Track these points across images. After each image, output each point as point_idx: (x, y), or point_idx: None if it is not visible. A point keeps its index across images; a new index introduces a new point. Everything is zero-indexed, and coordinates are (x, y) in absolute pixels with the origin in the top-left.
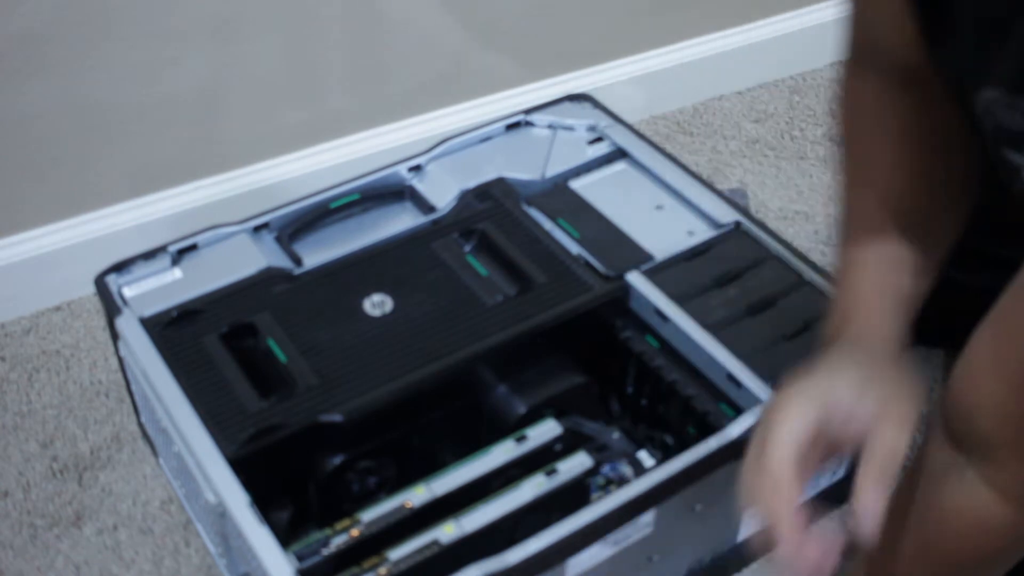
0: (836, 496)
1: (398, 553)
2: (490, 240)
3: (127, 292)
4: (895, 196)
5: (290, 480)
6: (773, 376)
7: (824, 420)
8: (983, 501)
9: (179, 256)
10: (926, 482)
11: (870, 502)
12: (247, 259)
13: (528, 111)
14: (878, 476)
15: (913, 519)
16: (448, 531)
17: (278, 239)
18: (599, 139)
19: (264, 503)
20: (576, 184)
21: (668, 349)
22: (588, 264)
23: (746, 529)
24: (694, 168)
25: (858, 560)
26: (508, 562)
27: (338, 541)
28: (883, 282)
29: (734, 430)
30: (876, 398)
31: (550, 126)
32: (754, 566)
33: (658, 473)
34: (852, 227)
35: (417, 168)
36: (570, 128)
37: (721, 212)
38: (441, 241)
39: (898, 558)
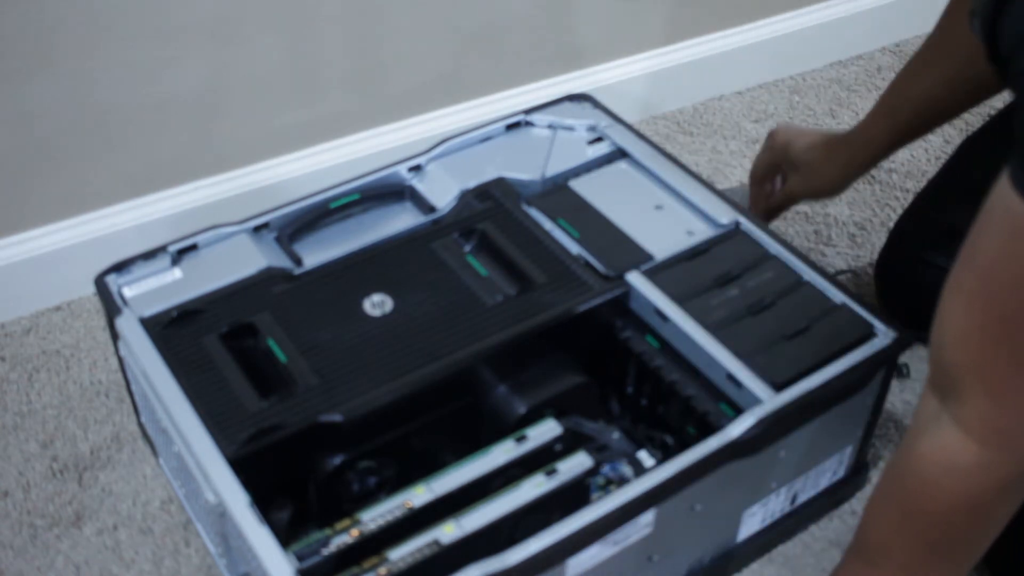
0: (836, 496)
1: (398, 553)
2: (490, 240)
3: (127, 292)
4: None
5: (290, 480)
6: (773, 376)
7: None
8: (951, 442)
9: (179, 256)
10: (907, 438)
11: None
12: (247, 259)
13: (528, 111)
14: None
15: (888, 473)
16: (448, 531)
17: (278, 239)
18: (599, 139)
19: (264, 503)
20: (576, 184)
21: (668, 349)
22: (588, 264)
23: (746, 529)
24: (694, 168)
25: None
26: (508, 562)
27: (338, 541)
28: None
29: (734, 430)
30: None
31: (550, 126)
32: (754, 566)
33: (658, 473)
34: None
35: (417, 168)
36: (570, 128)
37: (721, 212)
38: (441, 241)
39: (883, 521)
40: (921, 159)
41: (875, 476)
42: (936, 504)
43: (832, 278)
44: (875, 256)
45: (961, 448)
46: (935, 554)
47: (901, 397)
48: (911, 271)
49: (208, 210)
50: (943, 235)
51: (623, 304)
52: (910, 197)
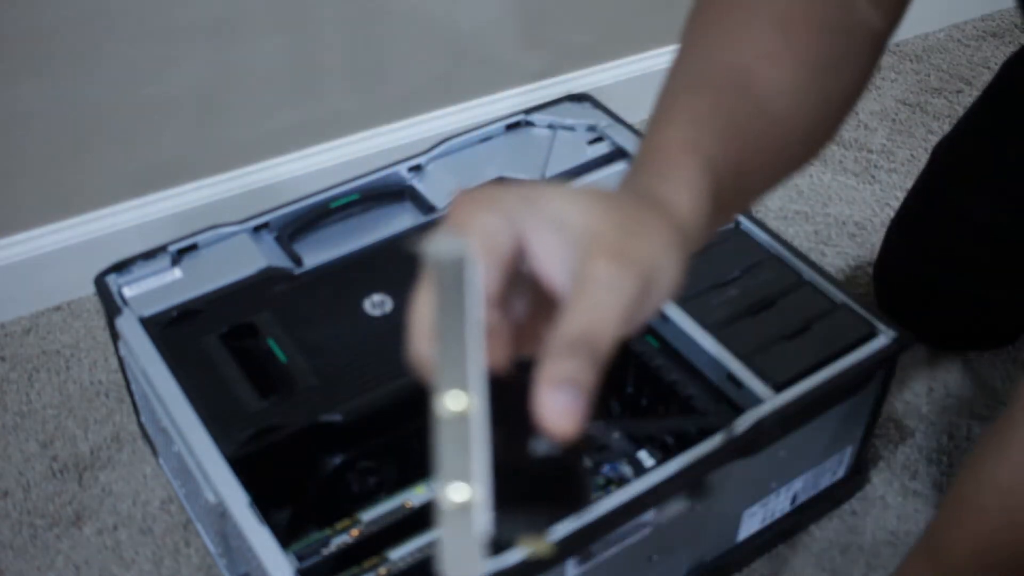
0: (836, 496)
1: (398, 553)
2: None
3: (127, 292)
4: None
5: (290, 480)
6: (773, 376)
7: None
8: None
9: (179, 256)
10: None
11: (556, 387)
12: (247, 259)
13: (528, 111)
14: (571, 345)
15: (1007, 516)
16: None
17: (278, 239)
18: (599, 139)
19: (264, 503)
20: (576, 184)
21: (668, 349)
22: None
23: (746, 529)
24: None
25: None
26: (508, 562)
27: (338, 541)
28: (695, 141)
29: (734, 430)
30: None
31: (550, 126)
32: (754, 566)
33: (658, 473)
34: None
35: (417, 168)
36: (570, 128)
37: None
38: None
39: (973, 550)
40: (921, 159)
41: (875, 476)
42: None
43: (832, 278)
44: (875, 256)
45: None
46: None
47: (901, 397)
48: (909, 275)
49: (208, 210)
50: (939, 236)
51: None
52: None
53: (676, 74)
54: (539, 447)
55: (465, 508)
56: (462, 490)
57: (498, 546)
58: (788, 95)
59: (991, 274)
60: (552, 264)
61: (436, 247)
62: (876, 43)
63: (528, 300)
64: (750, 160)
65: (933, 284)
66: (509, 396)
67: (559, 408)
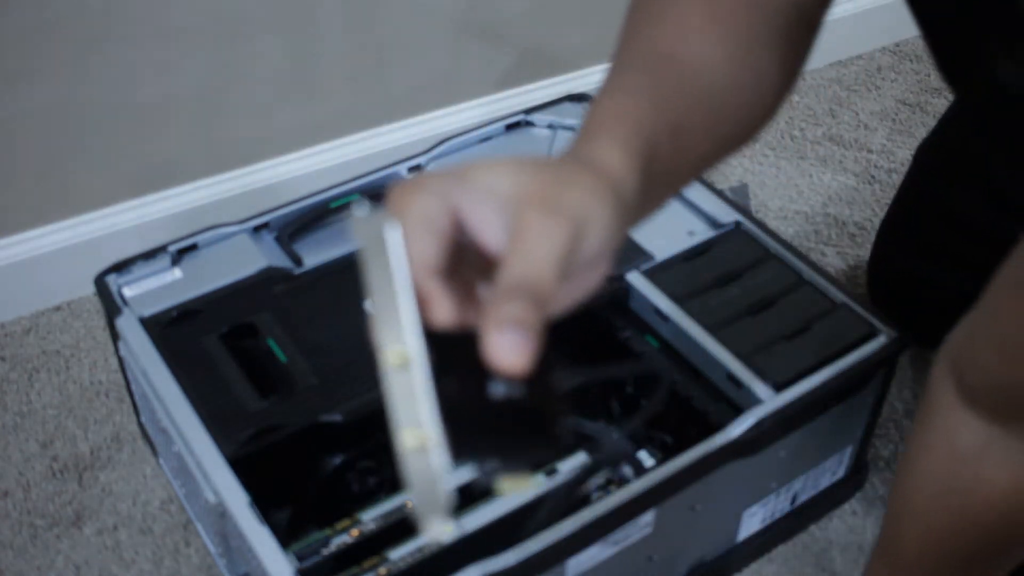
0: (836, 496)
1: (398, 553)
2: None
3: (127, 292)
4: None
5: (290, 480)
6: (773, 376)
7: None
8: None
9: (179, 256)
10: (956, 465)
11: (501, 328)
12: (247, 259)
13: (528, 111)
14: (512, 289)
15: (942, 502)
16: (448, 531)
17: (278, 239)
18: None
19: (264, 503)
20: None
21: (668, 349)
22: None
23: (746, 529)
24: None
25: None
26: (508, 562)
27: (338, 541)
28: (626, 109)
29: (734, 430)
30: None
31: (550, 126)
32: (754, 566)
33: (658, 473)
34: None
35: (417, 168)
36: (570, 128)
37: (721, 212)
38: None
39: (921, 541)
40: None
41: (875, 476)
42: (1017, 533)
43: (832, 278)
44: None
45: None
46: (993, 567)
47: (901, 397)
48: (900, 274)
49: (208, 210)
50: (927, 236)
51: (623, 304)
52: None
53: (616, 54)
54: (498, 390)
55: (422, 450)
56: (416, 434)
57: (481, 490)
58: (717, 68)
59: (981, 272)
60: (489, 230)
61: (357, 220)
62: (807, 21)
63: (477, 272)
64: (685, 130)
65: (924, 283)
66: (464, 350)
67: (506, 346)
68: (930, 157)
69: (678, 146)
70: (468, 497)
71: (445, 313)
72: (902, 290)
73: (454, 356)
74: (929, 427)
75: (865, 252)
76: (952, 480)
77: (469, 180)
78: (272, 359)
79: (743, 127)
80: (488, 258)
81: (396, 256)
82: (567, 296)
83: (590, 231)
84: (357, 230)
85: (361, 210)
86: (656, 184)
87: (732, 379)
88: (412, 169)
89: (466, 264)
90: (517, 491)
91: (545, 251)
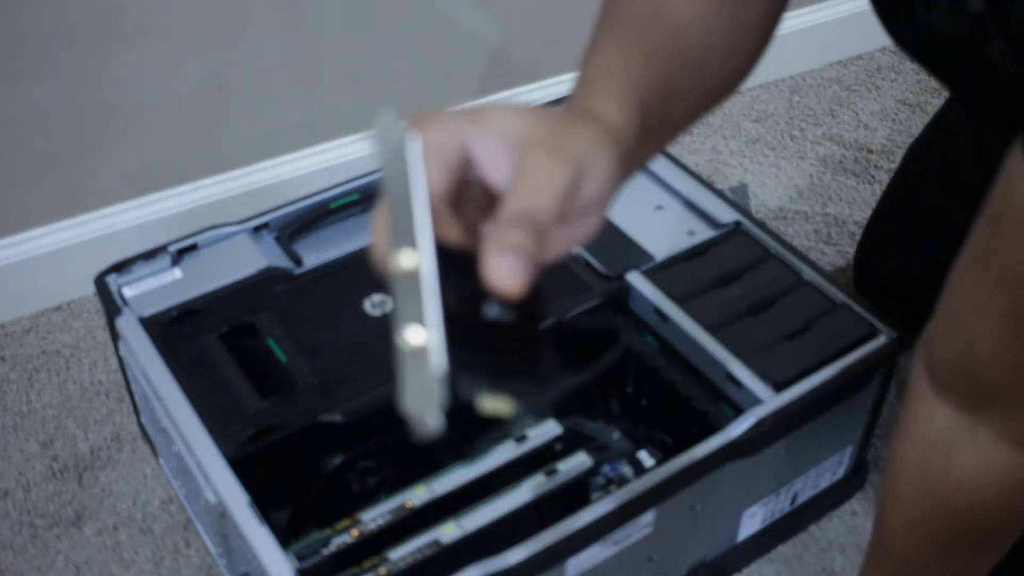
0: (836, 496)
1: (398, 553)
2: None
3: (127, 292)
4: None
5: (290, 480)
6: (773, 376)
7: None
8: (1001, 456)
9: (179, 256)
10: (930, 452)
11: (501, 252)
12: (247, 259)
13: None
14: (513, 219)
15: (920, 490)
16: (448, 531)
17: (278, 239)
18: None
19: (264, 503)
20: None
21: (668, 349)
22: (588, 264)
23: (746, 529)
24: (694, 168)
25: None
26: (508, 562)
27: (338, 541)
28: (619, 64)
29: (734, 430)
30: (545, 137)
31: None
32: (754, 566)
33: (658, 473)
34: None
35: None
36: None
37: (721, 212)
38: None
39: (905, 531)
40: None
41: (875, 477)
42: (988, 520)
43: (832, 278)
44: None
45: (1014, 462)
46: (972, 556)
47: (901, 397)
48: (887, 270)
49: (208, 210)
50: (914, 235)
51: (623, 304)
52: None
53: (602, 14)
54: (491, 312)
55: (422, 350)
56: (418, 334)
57: (461, 405)
58: (702, 24)
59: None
60: (495, 168)
61: (380, 125)
62: None
63: (480, 209)
64: (674, 85)
65: (909, 278)
66: (463, 269)
67: (503, 268)
68: (918, 155)
69: (668, 100)
70: (468, 497)
71: (450, 233)
72: (888, 284)
73: (453, 273)
74: (908, 416)
75: None
76: (926, 468)
77: (481, 119)
78: (272, 359)
79: (726, 82)
80: (491, 197)
81: (415, 163)
82: (564, 241)
83: (591, 175)
84: (379, 135)
85: (386, 116)
86: (649, 136)
87: (732, 379)
88: None
89: (470, 201)
90: (496, 412)
91: (548, 188)
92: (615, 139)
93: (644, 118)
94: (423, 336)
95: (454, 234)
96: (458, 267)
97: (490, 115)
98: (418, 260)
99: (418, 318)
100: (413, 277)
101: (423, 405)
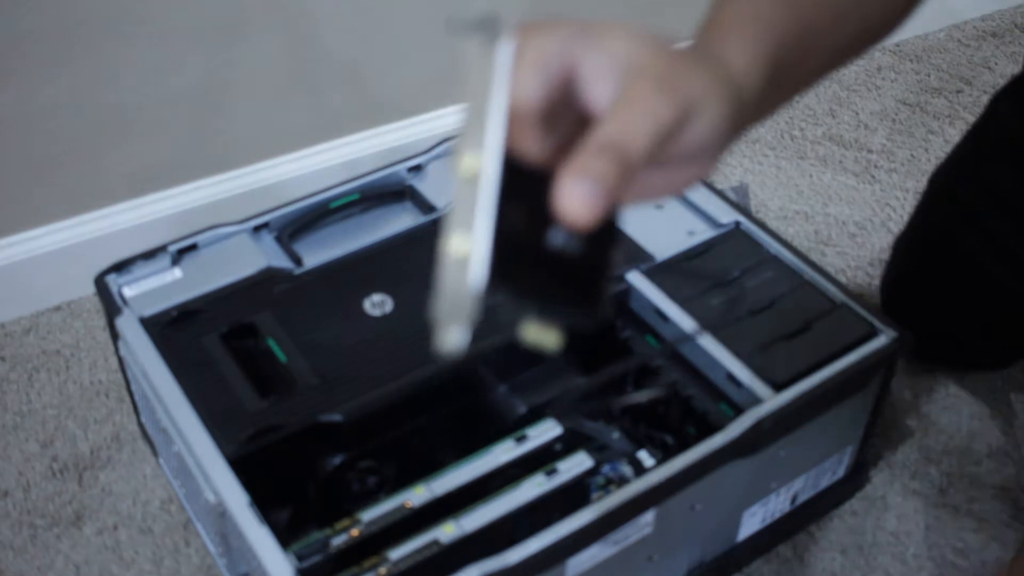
0: (836, 496)
1: (398, 553)
2: None
3: (127, 292)
4: None
5: (290, 480)
6: (773, 376)
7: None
8: None
9: (179, 256)
10: None
11: (578, 177)
12: (247, 259)
13: None
14: (600, 146)
15: None
16: (448, 531)
17: (278, 239)
18: None
19: (264, 503)
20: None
21: (668, 349)
22: None
23: (746, 529)
24: None
25: None
26: (508, 562)
27: (338, 541)
28: (753, 11)
29: (734, 430)
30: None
31: None
32: (754, 566)
33: (658, 473)
34: None
35: (417, 168)
36: None
37: (721, 212)
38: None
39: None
40: (921, 158)
41: (875, 476)
42: None
43: (832, 278)
44: (876, 256)
45: None
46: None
47: (901, 397)
48: (920, 297)
49: (208, 210)
50: (947, 280)
51: (623, 304)
52: (910, 197)
53: None
54: (556, 239)
55: (464, 260)
56: (464, 242)
57: (507, 326)
58: None
59: (1001, 300)
60: (597, 89)
61: (479, 19)
62: None
63: (574, 132)
64: (812, 33)
65: (947, 305)
66: (538, 191)
67: (577, 195)
68: (945, 184)
69: (804, 50)
70: (468, 497)
71: (533, 147)
72: (921, 310)
73: (528, 192)
74: None
75: (866, 252)
76: None
77: (594, 37)
78: (272, 359)
79: (869, 32)
80: (588, 121)
81: (501, 69)
82: (659, 187)
83: (697, 120)
84: (471, 29)
85: (489, 15)
86: (776, 89)
87: (732, 379)
88: (412, 169)
89: (565, 121)
90: (539, 343)
91: (645, 122)
92: (735, 87)
93: (773, 69)
94: (467, 245)
95: (539, 150)
96: (534, 187)
97: (605, 34)
98: (481, 167)
99: (468, 227)
100: (473, 183)
101: (452, 316)
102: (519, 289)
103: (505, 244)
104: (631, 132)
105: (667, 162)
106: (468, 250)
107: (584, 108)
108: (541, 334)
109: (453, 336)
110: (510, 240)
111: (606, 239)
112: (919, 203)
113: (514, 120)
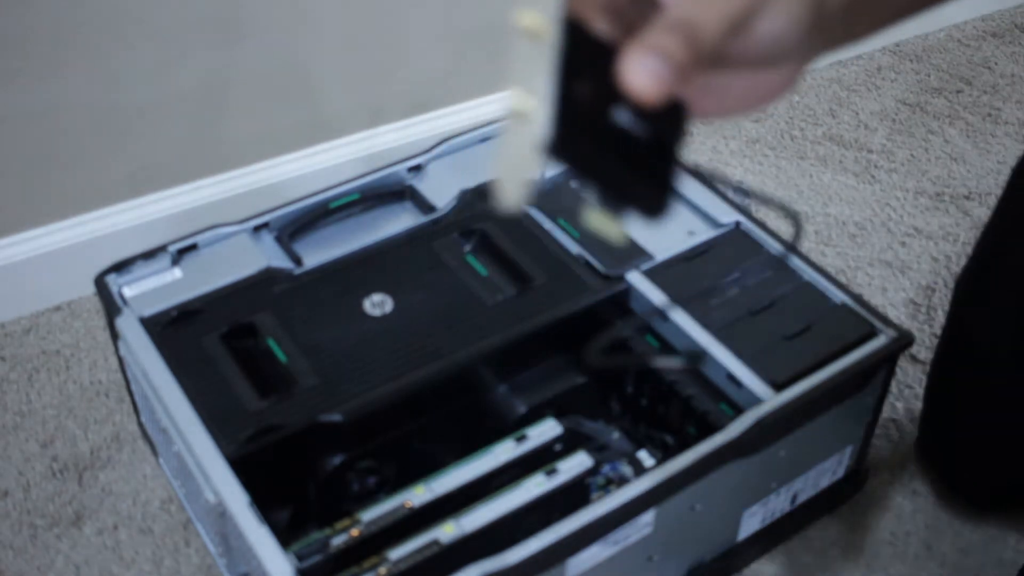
0: (836, 496)
1: (398, 553)
2: (490, 240)
3: (127, 292)
4: None
5: (290, 480)
6: (773, 376)
7: None
8: None
9: (179, 256)
10: None
11: (647, 52)
12: (247, 259)
13: None
14: (671, 25)
15: None
16: (448, 531)
17: (278, 239)
18: None
19: (264, 503)
20: (576, 184)
21: (668, 349)
22: (588, 264)
23: (746, 529)
24: (694, 168)
25: None
26: (508, 562)
27: (338, 541)
28: None
29: (734, 430)
30: None
31: None
32: (754, 566)
33: (658, 473)
34: None
35: (417, 168)
36: None
37: (721, 212)
38: (441, 241)
39: None
40: (921, 158)
41: (875, 476)
42: None
43: (832, 278)
44: (876, 256)
45: None
46: None
47: (901, 397)
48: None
49: (208, 210)
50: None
51: (623, 304)
52: (910, 197)
53: None
54: (622, 118)
55: (525, 115)
56: (525, 98)
57: (569, 211)
58: None
59: None
60: None
61: None
62: None
63: (644, 12)
64: None
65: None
66: (603, 59)
67: (644, 69)
68: (968, 287)
69: None
70: (468, 497)
71: (602, 22)
72: (957, 450)
73: (590, 60)
74: None
75: (866, 252)
76: None
77: None
78: (272, 359)
79: None
80: (658, 5)
81: None
82: (742, 94)
83: (769, 13)
84: None
85: None
86: (862, 11)
87: (732, 379)
88: (412, 169)
89: (636, 17)
90: (603, 231)
91: (717, 3)
92: None
93: None
94: (529, 101)
95: (606, 25)
96: (600, 59)
97: None
98: (541, 24)
99: (529, 82)
100: (533, 39)
101: (513, 174)
102: (582, 162)
103: (568, 112)
104: (703, 13)
105: (744, 62)
106: (529, 106)
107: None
108: (605, 223)
109: (513, 194)
110: (573, 109)
111: (673, 127)
112: (951, 310)
113: (579, 2)
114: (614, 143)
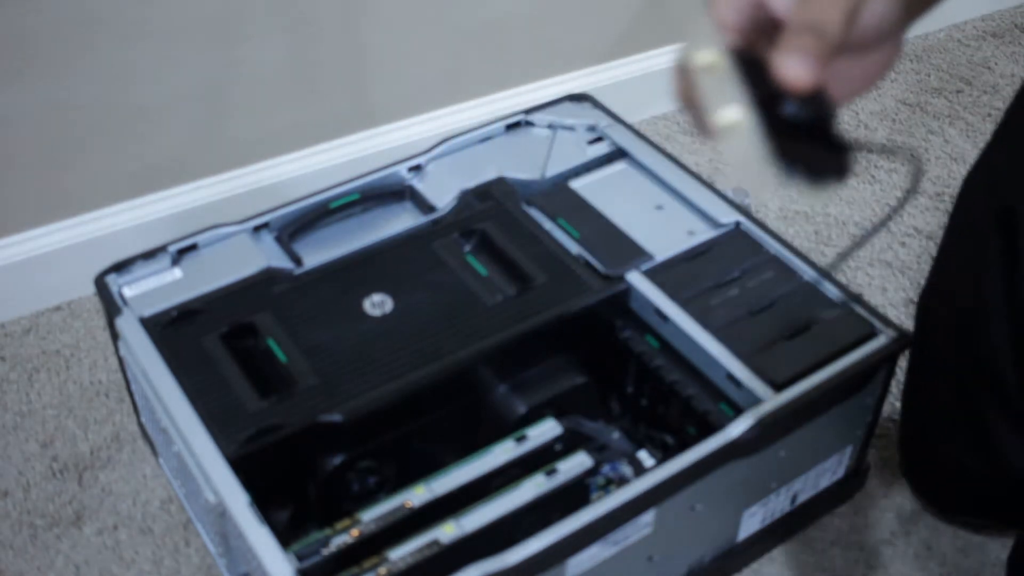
0: (836, 496)
1: (398, 553)
2: (490, 240)
3: (127, 292)
4: None
5: (290, 480)
6: (773, 376)
7: None
8: None
9: (179, 256)
10: None
11: (789, 52)
12: (247, 259)
13: (528, 111)
14: (800, 28)
15: None
16: (448, 531)
17: (278, 239)
18: (599, 139)
19: (264, 503)
20: (576, 184)
21: (668, 349)
22: (588, 264)
23: (746, 529)
24: (694, 168)
25: None
26: (508, 562)
27: (338, 541)
28: None
29: (734, 430)
30: None
31: (550, 126)
32: (754, 566)
33: (658, 473)
34: None
35: (417, 168)
36: (570, 128)
37: (721, 212)
38: (441, 241)
39: None
40: (921, 159)
41: (875, 476)
42: None
43: (832, 278)
44: (876, 256)
45: None
46: None
47: (901, 397)
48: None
49: (208, 210)
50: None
51: (623, 304)
52: (910, 197)
53: None
54: (789, 109)
55: (737, 126)
56: (730, 111)
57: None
58: None
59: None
60: (780, 2)
61: None
62: None
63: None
64: None
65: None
66: (759, 71)
67: (793, 64)
68: (932, 312)
69: None
70: (468, 497)
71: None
72: (939, 475)
73: (752, 75)
74: None
75: (865, 252)
76: None
77: None
78: (272, 359)
79: None
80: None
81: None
82: (859, 76)
83: (871, 1)
84: None
85: None
86: None
87: (732, 379)
88: (412, 169)
89: (762, 38)
90: (815, 201)
91: (832, 3)
92: None
93: None
94: (736, 112)
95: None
96: (758, 72)
97: None
98: (713, 58)
99: (726, 101)
100: (714, 70)
101: (751, 174)
102: (784, 155)
103: (764, 117)
104: (823, 13)
105: (856, 49)
106: (736, 118)
107: (774, 21)
108: (811, 194)
109: (761, 185)
110: (764, 113)
111: (827, 106)
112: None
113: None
114: (794, 131)
